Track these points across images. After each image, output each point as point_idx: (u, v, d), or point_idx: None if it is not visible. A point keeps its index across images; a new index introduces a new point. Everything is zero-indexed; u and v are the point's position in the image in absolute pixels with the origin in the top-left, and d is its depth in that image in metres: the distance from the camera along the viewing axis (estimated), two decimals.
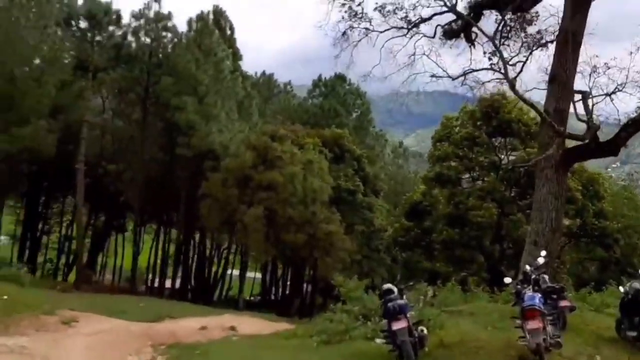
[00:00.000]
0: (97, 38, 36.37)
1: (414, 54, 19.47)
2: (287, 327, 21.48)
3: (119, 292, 32.82)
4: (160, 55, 38.45)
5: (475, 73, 17.25)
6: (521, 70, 17.70)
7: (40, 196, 47.71)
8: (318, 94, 58.96)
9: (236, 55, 40.92)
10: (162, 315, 19.33)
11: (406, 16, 20.15)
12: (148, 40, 38.23)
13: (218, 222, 31.76)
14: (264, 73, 58.72)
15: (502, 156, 36.07)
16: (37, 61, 39.17)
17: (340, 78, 57.91)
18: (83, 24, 35.95)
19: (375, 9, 20.66)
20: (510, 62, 17.82)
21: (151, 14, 37.75)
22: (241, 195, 31.28)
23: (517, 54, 19.11)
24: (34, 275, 46.34)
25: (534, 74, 18.70)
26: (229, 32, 41.93)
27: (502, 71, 15.99)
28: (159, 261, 51.02)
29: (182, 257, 44.77)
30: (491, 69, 17.06)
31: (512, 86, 16.06)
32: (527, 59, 18.36)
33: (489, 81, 17.10)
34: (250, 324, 21.73)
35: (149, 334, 14.30)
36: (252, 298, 54.06)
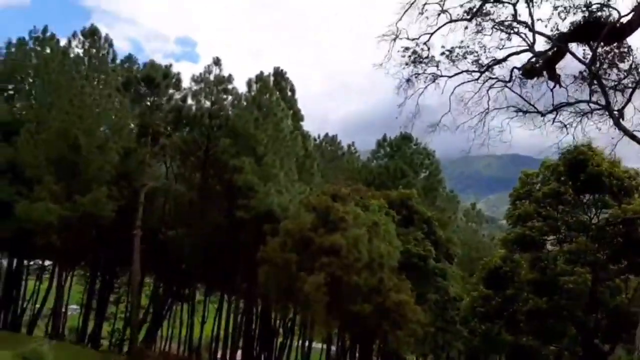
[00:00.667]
0: (157, 102, 36.14)
1: (488, 101, 17.09)
2: None
3: None
4: (221, 118, 37.75)
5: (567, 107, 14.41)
6: (624, 106, 14.76)
7: (107, 265, 47.23)
8: (383, 155, 56.76)
9: (297, 116, 39.70)
10: None
11: (477, 59, 17.88)
12: (208, 103, 37.75)
13: (277, 290, 29.27)
14: (326, 135, 57.47)
15: (592, 214, 32.17)
16: (101, 129, 39.46)
17: (406, 138, 55.65)
18: (142, 89, 35.87)
19: (442, 53, 18.53)
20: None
21: (211, 77, 37.41)
22: (301, 260, 28.84)
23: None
24: (97, 348, 45.71)
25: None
26: (289, 93, 40.94)
27: (603, 103, 13.21)
28: (221, 331, 49.21)
29: (244, 327, 42.37)
30: (589, 101, 14.18)
31: (617, 121, 13.19)
32: (631, 95, 15.37)
33: (589, 112, 14.13)
34: None
35: None
36: None
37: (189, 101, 37.62)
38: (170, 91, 36.52)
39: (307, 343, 51.50)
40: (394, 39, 17.52)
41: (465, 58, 18.18)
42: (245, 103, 36.84)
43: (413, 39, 17.83)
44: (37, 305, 49.58)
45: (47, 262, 53.92)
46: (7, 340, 18.29)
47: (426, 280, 39.62)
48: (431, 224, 43.47)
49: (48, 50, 44.11)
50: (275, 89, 36.65)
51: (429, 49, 18.22)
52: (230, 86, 37.95)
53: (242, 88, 38.56)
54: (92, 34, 38.99)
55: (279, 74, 40.47)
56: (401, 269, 33.59)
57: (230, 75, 38.17)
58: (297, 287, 28.35)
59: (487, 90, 17.48)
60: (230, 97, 38.14)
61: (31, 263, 57.60)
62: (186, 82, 38.23)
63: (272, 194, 31.50)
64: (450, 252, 46.17)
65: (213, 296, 56.26)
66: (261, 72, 37.57)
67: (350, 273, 28.52)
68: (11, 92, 46.49)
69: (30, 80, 45.20)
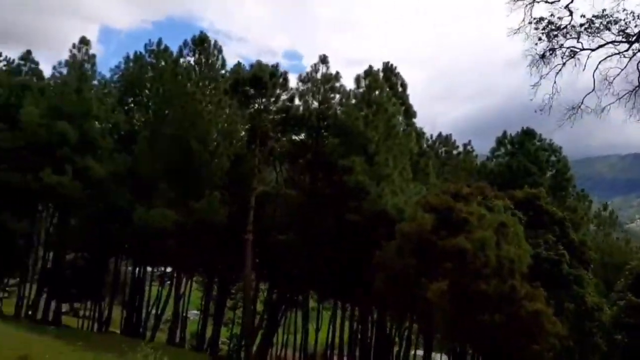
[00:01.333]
0: (264, 103, 35.40)
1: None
2: None
3: None
4: (329, 117, 36.25)
5: None
6: None
7: (222, 271, 47.55)
8: (503, 153, 52.31)
9: (409, 112, 37.29)
10: None
11: (625, 29, 14.58)
12: (315, 103, 36.43)
13: (394, 297, 26.93)
14: (439, 135, 54.16)
15: None
16: (213, 135, 39.58)
17: (528, 133, 50.97)
18: (250, 90, 35.26)
19: (582, 25, 15.44)
20: None
21: (318, 76, 36.06)
22: (420, 265, 26.35)
23: None
24: (216, 354, 46.05)
25: None
26: (400, 88, 38.65)
27: None
28: (336, 339, 48.13)
29: (360, 334, 40.52)
30: None
31: None
32: None
33: None
34: None
35: None
36: None
37: (297, 102, 36.53)
38: (278, 91, 35.57)
39: (425, 353, 48.53)
40: (531, 2, 14.83)
41: (609, 29, 15.07)
42: (353, 100, 35.01)
43: (552, 2, 15.00)
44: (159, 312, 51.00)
45: (168, 269, 55.66)
46: (120, 345, 17.51)
47: (560, 288, 35.32)
48: (563, 226, 38.93)
49: (162, 63, 45.29)
50: (385, 84, 34.48)
51: (571, 13, 15.26)
52: (337, 84, 36.37)
53: (350, 86, 36.88)
54: (201, 41, 39.24)
55: (388, 69, 38.35)
56: (531, 275, 29.99)
57: (337, 73, 36.68)
58: (417, 294, 25.88)
59: (638, 65, 14.16)
60: (338, 96, 36.54)
61: (154, 270, 59.98)
62: (293, 83, 37.25)
63: (386, 195, 29.34)
64: (585, 257, 41.19)
65: (327, 303, 55.05)
66: (370, 67, 35.61)
67: (477, 280, 25.55)
68: (131, 104, 48.40)
69: (147, 92, 46.70)
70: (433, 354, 46.30)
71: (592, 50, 15.57)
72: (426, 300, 25.36)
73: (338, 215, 34.49)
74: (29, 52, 46.64)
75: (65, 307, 52.55)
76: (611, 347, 43.80)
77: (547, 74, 14.66)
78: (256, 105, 35.67)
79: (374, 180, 29.80)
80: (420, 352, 59.23)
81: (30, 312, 44.87)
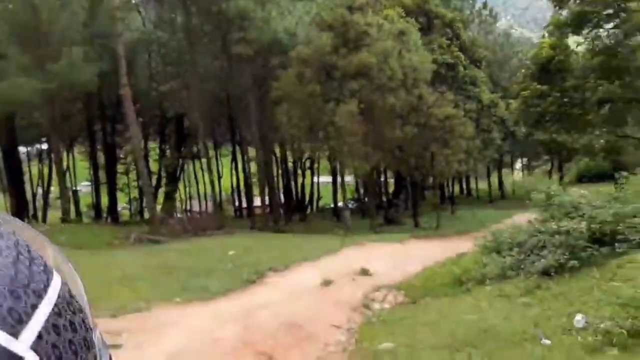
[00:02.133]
0: None
1: None
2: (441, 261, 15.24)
3: (203, 230, 27.74)
4: None
5: None
6: None
7: (105, 135, 43.39)
8: None
9: None
10: (261, 269, 13.51)
11: None
12: None
13: (303, 128, 25.20)
14: None
15: None
16: None
17: None
18: None
19: None
20: None
21: None
22: (325, 90, 24.43)
23: None
24: (117, 221, 43.66)
25: None
26: None
27: None
28: (241, 184, 47.15)
29: (265, 174, 39.46)
30: None
31: None
32: None
33: None
34: (379, 259, 15.64)
35: (248, 339, 8.18)
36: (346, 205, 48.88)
37: None
38: None
39: (333, 179, 49.13)
40: None
41: None
42: None
43: None
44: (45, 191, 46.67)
45: (45, 146, 50.22)
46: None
47: (457, 91, 35.40)
48: (454, 27, 38.16)
49: None
50: None
51: None
52: None
53: None
54: None
55: None
56: (433, 82, 29.28)
57: None
58: (326, 120, 24.27)
59: None
60: None
61: (28, 149, 54.05)
62: None
63: (274, 18, 26.03)
64: (476, 56, 41.35)
65: (225, 148, 53.14)
66: None
67: (385, 95, 24.21)
68: None
69: None
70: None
71: None
72: (335, 126, 23.92)
73: (224, 52, 31.02)
74: None
75: None
76: (504, 140, 46.19)
77: None
78: None
79: (258, 4, 26.21)
80: (323, 179, 60.38)
81: None
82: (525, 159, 73.43)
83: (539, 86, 27.01)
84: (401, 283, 12.37)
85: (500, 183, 68.26)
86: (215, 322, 8.54)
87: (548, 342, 6.07)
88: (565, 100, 27.16)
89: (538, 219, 12.46)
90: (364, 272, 13.60)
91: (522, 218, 38.04)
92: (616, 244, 9.28)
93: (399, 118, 25.56)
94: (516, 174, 78.85)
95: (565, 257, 9.34)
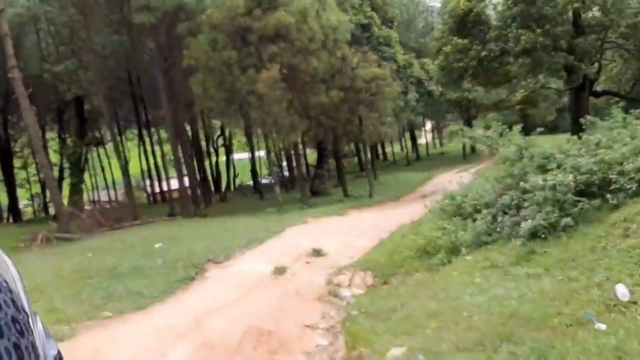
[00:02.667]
0: None
1: None
2: (392, 230, 14.00)
3: (118, 221, 25.10)
4: None
5: None
6: None
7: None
8: None
9: None
10: (198, 262, 11.63)
11: None
12: None
13: (220, 100, 22.95)
14: None
15: None
16: None
17: None
18: None
19: None
20: None
21: None
22: (242, 56, 22.32)
23: None
24: (20, 220, 39.51)
25: None
26: None
27: None
28: (152, 166, 44.25)
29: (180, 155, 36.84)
30: None
31: None
32: None
33: None
34: (327, 235, 14.22)
35: None
36: (262, 180, 47.53)
37: None
38: None
39: (251, 155, 47.31)
40: None
41: None
42: None
43: None
44: None
45: None
46: None
47: (373, 52, 34.29)
48: None
49: None
50: None
51: None
52: None
53: None
54: None
55: None
56: (350, 43, 27.87)
57: None
58: (245, 90, 22.26)
59: None
60: None
61: None
62: None
63: None
64: (388, 16, 40.39)
65: (130, 132, 49.68)
66: None
67: (307, 58, 22.50)
68: None
69: None
70: (262, 154, 45.01)
71: None
72: (256, 94, 21.97)
73: (123, 24, 28.00)
74: None
75: None
76: (422, 100, 45.77)
77: None
78: None
79: None
80: (240, 156, 58.14)
81: None
82: (433, 121, 74.27)
83: (459, 40, 26.31)
84: (362, 261, 10.98)
85: (415, 145, 68.85)
86: (161, 341, 6.71)
87: (603, 326, 4.83)
88: (484, 54, 26.64)
89: (501, 176, 11.39)
90: (317, 253, 12.10)
91: (447, 177, 38.15)
92: (608, 195, 8.32)
93: (322, 83, 24.00)
94: (426, 136, 79.61)
95: (555, 215, 8.27)
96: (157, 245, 14.53)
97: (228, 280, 10.18)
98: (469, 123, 62.37)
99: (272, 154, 31.24)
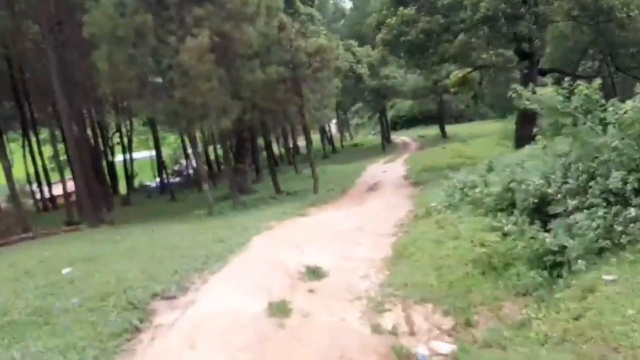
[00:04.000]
0: None
1: None
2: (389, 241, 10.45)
3: (3, 236, 19.64)
4: None
5: None
6: None
7: None
8: None
9: None
10: (139, 299, 7.46)
11: None
12: None
13: (134, 78, 18.16)
14: None
15: None
16: None
17: None
18: None
19: None
20: None
21: None
22: (160, 21, 17.80)
23: None
24: None
25: None
26: None
27: None
28: (40, 170, 38.42)
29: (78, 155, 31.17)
30: None
31: None
32: None
33: None
34: (309, 244, 10.48)
35: None
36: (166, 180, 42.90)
37: None
38: None
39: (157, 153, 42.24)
40: None
41: None
42: None
43: None
44: None
45: None
46: None
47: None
48: None
49: None
50: None
51: None
52: None
53: None
54: None
55: None
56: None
57: None
58: (166, 64, 17.81)
59: None
60: None
61: None
62: None
63: None
64: None
65: (14, 133, 42.94)
66: None
67: (240, 25, 18.40)
68: None
69: None
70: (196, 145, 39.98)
71: None
72: (181, 69, 17.57)
73: None
74: None
75: None
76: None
77: None
78: None
79: None
80: (139, 155, 52.69)
81: None
82: (342, 111, 71.87)
83: (406, 10, 23.26)
84: (397, 284, 7.36)
85: (330, 137, 66.01)
86: None
87: None
88: (429, 27, 23.75)
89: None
90: (314, 273, 8.36)
91: (378, 168, 35.30)
92: None
93: (256, 57, 20.04)
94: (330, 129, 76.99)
95: None
96: (65, 271, 10.07)
97: (200, 334, 6.14)
98: (382, 113, 60.60)
99: (200, 144, 26.70)
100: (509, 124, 48.96)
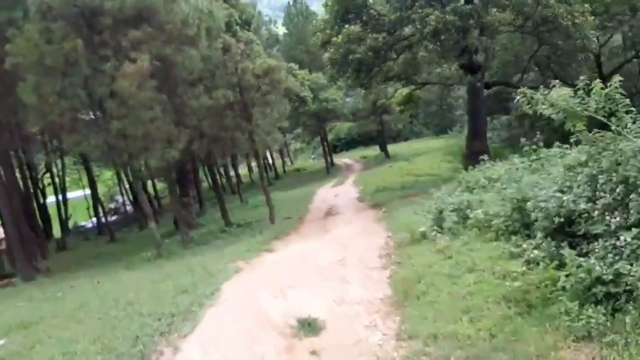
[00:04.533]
0: None
1: None
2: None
3: None
4: None
5: None
6: None
7: None
8: None
9: None
10: None
11: None
12: None
13: (66, 110, 16.19)
14: None
15: None
16: None
17: None
18: None
19: None
20: None
21: None
22: (92, 46, 16.04)
23: None
24: None
25: None
26: None
27: None
28: None
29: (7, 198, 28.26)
30: None
31: None
32: None
33: None
34: (291, 290, 9.05)
35: None
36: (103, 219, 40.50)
37: None
38: None
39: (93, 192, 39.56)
40: None
41: None
42: None
43: None
44: None
45: None
46: None
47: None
48: None
49: None
50: None
51: None
52: None
53: None
54: None
55: None
56: None
57: None
58: (102, 92, 16.03)
59: None
60: None
61: None
62: None
63: None
64: (245, 17, 35.86)
65: None
66: None
67: (182, 47, 16.90)
68: None
69: None
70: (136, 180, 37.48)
71: None
72: (119, 98, 15.85)
73: None
74: None
75: None
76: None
77: None
78: None
79: None
80: (72, 195, 49.43)
81: None
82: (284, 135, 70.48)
83: (353, 27, 22.39)
84: (423, 337, 6.02)
85: (273, 162, 64.53)
86: None
87: None
88: (376, 44, 23.01)
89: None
90: (308, 327, 6.95)
91: (328, 192, 34.07)
92: None
93: (199, 82, 18.55)
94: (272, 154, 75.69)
95: None
96: None
97: None
98: (323, 136, 59.76)
99: (139, 181, 24.67)
100: (451, 141, 49.32)
